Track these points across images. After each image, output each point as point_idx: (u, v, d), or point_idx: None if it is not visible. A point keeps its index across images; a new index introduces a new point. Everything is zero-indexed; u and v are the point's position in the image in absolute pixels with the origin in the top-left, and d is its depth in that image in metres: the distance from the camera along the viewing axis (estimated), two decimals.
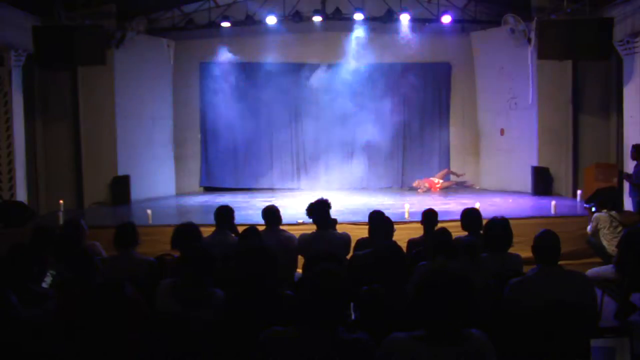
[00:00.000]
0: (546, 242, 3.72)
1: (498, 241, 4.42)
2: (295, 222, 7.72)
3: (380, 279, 3.55)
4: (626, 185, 8.94)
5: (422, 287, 2.38)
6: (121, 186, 11.10)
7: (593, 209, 7.36)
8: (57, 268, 4.28)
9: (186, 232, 4.60)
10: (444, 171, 12.82)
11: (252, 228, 5.05)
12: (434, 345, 2.31)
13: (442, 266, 2.45)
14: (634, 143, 8.59)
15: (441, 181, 12.54)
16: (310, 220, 5.42)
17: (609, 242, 6.65)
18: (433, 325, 2.34)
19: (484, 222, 4.80)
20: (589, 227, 6.96)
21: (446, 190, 12.46)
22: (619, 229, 6.62)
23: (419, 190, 12.32)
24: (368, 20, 11.48)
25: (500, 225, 4.46)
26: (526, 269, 4.02)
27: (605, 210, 6.86)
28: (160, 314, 3.41)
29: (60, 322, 3.23)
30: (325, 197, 5.45)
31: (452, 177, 12.82)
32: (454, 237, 4.56)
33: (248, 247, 3.40)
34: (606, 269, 5.65)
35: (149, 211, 8.77)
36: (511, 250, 4.53)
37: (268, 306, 3.16)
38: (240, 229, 5.31)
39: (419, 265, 4.23)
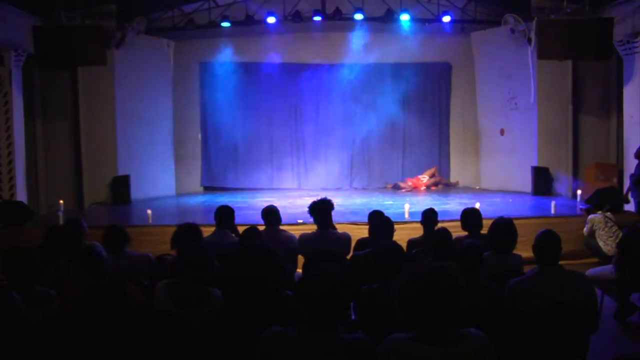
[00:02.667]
0: (547, 241, 3.72)
1: (503, 242, 4.42)
2: (295, 222, 7.72)
3: (380, 279, 3.54)
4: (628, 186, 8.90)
5: (402, 288, 2.35)
6: (121, 186, 11.10)
7: (583, 207, 7.45)
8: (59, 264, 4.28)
9: (186, 232, 4.60)
10: (433, 169, 12.85)
11: (252, 228, 5.05)
12: (434, 345, 2.30)
13: (425, 266, 2.39)
14: None
15: (427, 177, 12.58)
16: (311, 220, 5.43)
17: (605, 242, 6.74)
18: (421, 326, 2.33)
19: (487, 222, 4.80)
20: (585, 229, 7.03)
21: (447, 189, 12.49)
22: (614, 229, 6.69)
23: (403, 190, 12.39)
24: (368, 20, 11.47)
25: (506, 226, 4.46)
26: (527, 269, 4.02)
27: (600, 212, 6.91)
28: (158, 314, 3.40)
29: (61, 322, 3.23)
30: (328, 198, 5.46)
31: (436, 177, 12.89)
32: (454, 237, 4.56)
33: (253, 248, 3.38)
34: (606, 269, 5.65)
35: (149, 211, 8.76)
36: None
37: (268, 306, 3.16)
38: (241, 229, 5.31)
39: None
